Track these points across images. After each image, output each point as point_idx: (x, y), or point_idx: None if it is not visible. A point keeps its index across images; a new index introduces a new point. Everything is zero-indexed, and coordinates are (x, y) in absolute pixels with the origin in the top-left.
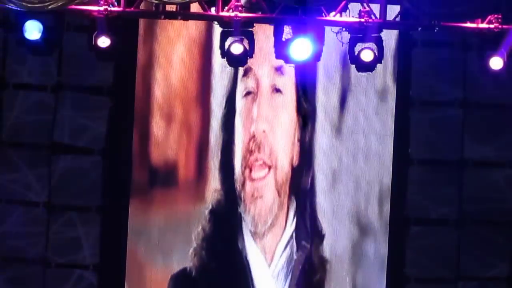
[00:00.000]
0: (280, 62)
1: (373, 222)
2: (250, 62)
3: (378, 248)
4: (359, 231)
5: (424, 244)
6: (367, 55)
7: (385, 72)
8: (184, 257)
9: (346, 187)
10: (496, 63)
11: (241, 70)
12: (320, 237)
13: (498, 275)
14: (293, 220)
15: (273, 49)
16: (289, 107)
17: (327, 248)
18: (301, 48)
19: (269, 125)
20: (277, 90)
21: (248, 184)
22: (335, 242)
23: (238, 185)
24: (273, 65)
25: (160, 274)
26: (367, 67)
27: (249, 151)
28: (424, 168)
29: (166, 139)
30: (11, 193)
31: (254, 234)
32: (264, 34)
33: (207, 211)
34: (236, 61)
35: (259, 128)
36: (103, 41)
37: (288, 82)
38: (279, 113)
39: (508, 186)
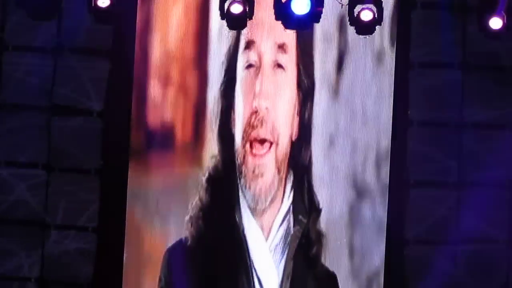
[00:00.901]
0: (283, 39)
1: (370, 185)
2: (252, 36)
3: (375, 211)
4: (356, 194)
5: (423, 205)
6: (366, 15)
7: (382, 35)
8: (182, 221)
9: (343, 149)
10: (495, 23)
11: (242, 43)
12: (317, 211)
13: (500, 237)
14: (290, 194)
15: (276, 25)
16: (290, 83)
17: (324, 213)
18: (300, 4)
19: (271, 101)
20: (279, 66)
21: (250, 159)
22: (332, 205)
23: (238, 157)
24: (276, 42)
25: (159, 237)
26: (366, 29)
27: (250, 126)
28: (424, 130)
29: (163, 102)
30: (10, 154)
31: (253, 211)
32: (267, 7)
33: (204, 179)
34: (236, 23)
35: (262, 105)
36: (103, 1)
37: (290, 59)
38: (280, 89)
39: (507, 148)
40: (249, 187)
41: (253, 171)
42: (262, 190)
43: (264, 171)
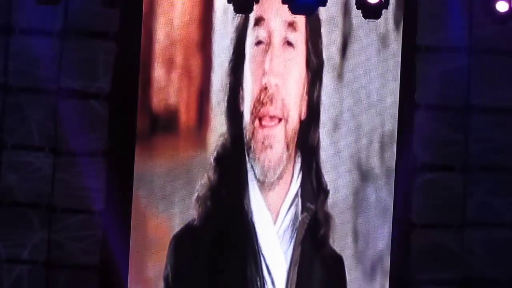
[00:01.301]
0: (293, 17)
1: (374, 168)
2: (262, 12)
3: (380, 194)
4: (361, 177)
5: (429, 189)
6: None
7: (387, 18)
8: (187, 205)
9: (348, 132)
10: (502, 6)
11: (252, 20)
12: (325, 193)
13: (507, 220)
14: (298, 175)
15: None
16: (300, 61)
17: (330, 197)
18: None
19: (281, 79)
20: (289, 44)
21: (259, 132)
22: (337, 188)
23: (247, 133)
24: (286, 19)
25: (164, 221)
26: (373, 12)
27: (260, 103)
28: (431, 113)
29: (167, 85)
30: (16, 137)
31: (262, 185)
32: None
33: (212, 158)
34: (242, 6)
35: (271, 81)
36: None
37: (299, 38)
38: (290, 67)
39: None
40: (258, 159)
41: (263, 142)
42: (271, 162)
43: (273, 142)
